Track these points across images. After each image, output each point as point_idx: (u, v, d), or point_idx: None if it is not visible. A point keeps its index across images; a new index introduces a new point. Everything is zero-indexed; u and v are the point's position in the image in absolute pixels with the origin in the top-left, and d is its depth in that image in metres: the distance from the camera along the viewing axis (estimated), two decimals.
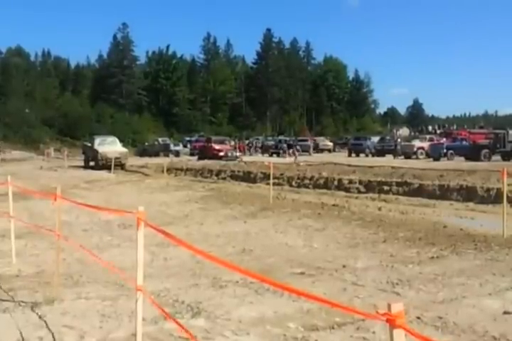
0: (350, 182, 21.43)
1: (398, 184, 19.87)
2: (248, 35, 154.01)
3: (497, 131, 39.62)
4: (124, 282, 6.15)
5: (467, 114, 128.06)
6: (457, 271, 7.30)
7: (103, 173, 30.27)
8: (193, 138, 62.27)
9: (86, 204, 7.06)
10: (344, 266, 7.71)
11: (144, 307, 4.42)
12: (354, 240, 9.82)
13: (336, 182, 21.82)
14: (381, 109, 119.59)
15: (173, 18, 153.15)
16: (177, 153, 50.09)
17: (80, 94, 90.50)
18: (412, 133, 69.48)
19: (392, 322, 2.11)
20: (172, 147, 53.68)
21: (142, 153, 54.82)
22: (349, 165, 27.00)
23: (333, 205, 15.25)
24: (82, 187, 21.34)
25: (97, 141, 36.65)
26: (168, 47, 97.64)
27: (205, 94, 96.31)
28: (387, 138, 52.23)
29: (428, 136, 48.94)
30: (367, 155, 46.47)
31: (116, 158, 33.02)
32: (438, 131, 65.36)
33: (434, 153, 38.47)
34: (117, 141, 37.91)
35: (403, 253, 8.60)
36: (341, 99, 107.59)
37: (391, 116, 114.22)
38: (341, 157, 42.35)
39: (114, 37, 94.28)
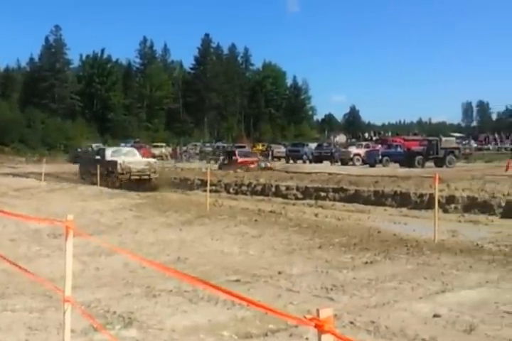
0: (288, 188, 21.60)
1: (335, 190, 20.15)
2: (186, 39, 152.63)
3: (430, 138, 40.72)
4: (52, 293, 5.95)
5: (402, 121, 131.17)
6: (390, 275, 7.40)
7: (33, 180, 29.01)
8: (129, 145, 61.25)
9: (13, 213, 6.80)
10: (280, 273, 7.70)
11: (74, 319, 4.28)
12: (290, 246, 9.84)
13: (273, 189, 21.96)
14: (319, 116, 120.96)
15: (108, 21, 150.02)
16: None
17: (9, 98, 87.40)
18: (349, 140, 70.55)
19: (320, 328, 2.11)
20: None
21: (75, 159, 53.45)
22: (287, 172, 27.22)
23: (271, 212, 15.29)
24: (11, 195, 20.55)
25: (109, 152, 28.41)
26: (103, 50, 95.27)
27: (141, 99, 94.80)
28: (325, 144, 52.93)
29: (364, 143, 49.83)
30: (304, 162, 46.87)
31: (141, 172, 25.80)
32: (374, 138, 66.58)
33: (370, 160, 39.24)
34: (136, 152, 29.67)
35: (338, 258, 8.67)
36: (279, 105, 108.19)
37: (328, 123, 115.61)
38: (278, 163, 42.60)
39: (46, 39, 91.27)
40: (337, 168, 32.56)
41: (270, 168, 33.08)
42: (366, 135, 74.34)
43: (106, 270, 7.93)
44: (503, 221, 14.77)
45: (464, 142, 55.09)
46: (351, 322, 5.44)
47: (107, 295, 6.58)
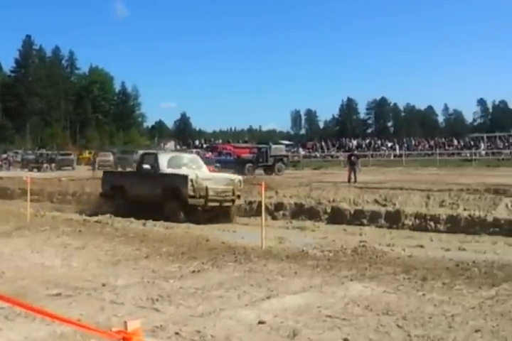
0: None
1: None
2: (5, 41, 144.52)
3: (260, 146, 41.91)
4: None
5: (233, 129, 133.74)
6: (217, 283, 7.38)
7: None
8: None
9: None
10: (104, 285, 7.38)
11: None
12: (116, 257, 9.51)
13: None
14: (149, 122, 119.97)
15: None
16: None
17: None
18: (179, 147, 70.65)
19: (128, 340, 1.99)
20: None
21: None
22: None
23: (96, 222, 14.75)
24: None
25: (164, 160, 18.11)
26: None
27: None
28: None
29: (194, 150, 50.07)
30: None
31: (223, 194, 16.89)
32: (204, 145, 67.30)
33: None
34: (201, 161, 19.80)
35: (165, 268, 8.51)
36: (107, 111, 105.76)
37: (159, 130, 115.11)
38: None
39: None
40: None
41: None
42: (197, 142, 75.03)
43: None
44: (329, 227, 15.55)
45: (292, 150, 57.50)
46: (176, 333, 5.31)
47: None
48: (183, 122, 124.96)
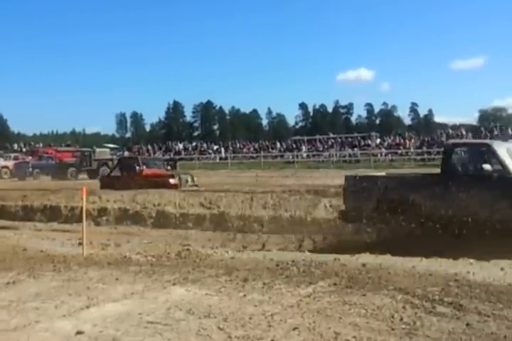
0: None
1: None
2: None
3: (84, 150, 40.90)
4: None
5: (55, 132, 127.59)
6: (33, 295, 7.02)
7: None
8: None
9: None
10: None
11: None
12: None
13: None
14: None
15: None
16: None
17: None
18: None
19: None
20: None
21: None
22: None
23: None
24: None
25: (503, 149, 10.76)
26: None
27: None
28: None
29: (13, 155, 47.36)
30: None
31: None
32: (24, 149, 64.02)
33: (19, 173, 37.55)
34: None
35: None
36: None
37: None
38: None
39: None
40: None
41: None
42: (15, 146, 71.04)
43: None
44: (154, 231, 15.45)
45: (118, 153, 56.42)
46: None
47: None
48: (0, 125, 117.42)
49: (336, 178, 18.62)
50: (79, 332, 5.44)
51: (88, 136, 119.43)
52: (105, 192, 19.21)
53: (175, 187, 20.94)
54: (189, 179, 22.76)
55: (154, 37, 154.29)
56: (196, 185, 22.26)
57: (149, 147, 63.80)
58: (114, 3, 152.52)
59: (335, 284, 7.27)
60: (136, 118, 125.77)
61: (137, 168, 22.55)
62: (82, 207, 11.34)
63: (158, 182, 20.91)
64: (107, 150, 44.87)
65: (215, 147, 60.64)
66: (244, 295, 6.82)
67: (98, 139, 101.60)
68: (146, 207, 16.94)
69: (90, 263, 9.28)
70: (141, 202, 17.49)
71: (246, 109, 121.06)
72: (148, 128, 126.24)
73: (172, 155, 52.80)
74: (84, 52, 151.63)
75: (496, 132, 44.89)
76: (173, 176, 22.21)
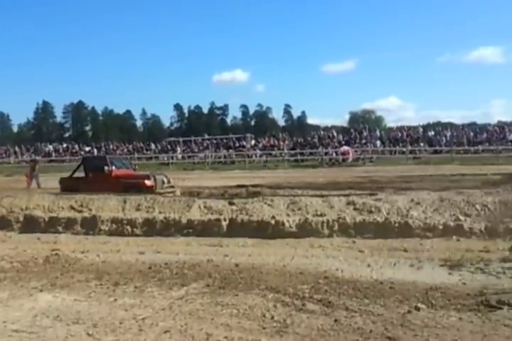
0: None
1: None
2: None
3: None
4: None
5: None
6: None
7: None
8: None
9: None
10: None
11: None
12: None
13: None
14: None
15: None
16: None
17: None
18: None
19: None
20: None
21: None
22: None
23: None
24: None
25: None
26: None
27: None
28: None
29: None
30: None
31: None
32: None
33: None
34: None
35: None
36: None
37: None
38: None
39: None
40: None
41: None
42: None
43: None
44: (22, 236, 14.69)
45: None
46: None
47: None
48: None
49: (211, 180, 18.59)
50: None
51: None
52: None
53: (151, 189, 19.29)
54: (165, 180, 20.71)
55: (22, 37, 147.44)
56: (172, 186, 20.98)
57: (17, 149, 60.86)
58: None
59: (208, 285, 7.31)
60: (3, 118, 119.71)
61: (105, 168, 20.32)
62: None
63: (133, 184, 19.23)
64: None
65: (87, 148, 58.81)
66: (115, 300, 6.70)
67: None
68: (13, 211, 16.11)
69: None
70: (7, 205, 16.61)
71: (120, 110, 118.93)
72: (15, 129, 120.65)
73: (41, 157, 50.53)
74: None
75: (365, 133, 46.78)
76: (148, 177, 20.16)
